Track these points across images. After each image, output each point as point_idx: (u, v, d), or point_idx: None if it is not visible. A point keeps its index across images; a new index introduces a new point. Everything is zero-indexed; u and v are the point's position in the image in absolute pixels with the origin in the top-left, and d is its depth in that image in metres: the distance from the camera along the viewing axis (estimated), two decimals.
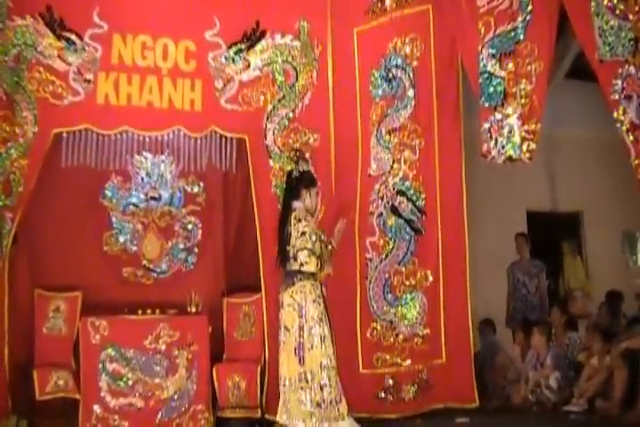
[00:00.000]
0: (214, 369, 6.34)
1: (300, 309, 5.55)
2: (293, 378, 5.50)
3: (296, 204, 5.76)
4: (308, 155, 6.31)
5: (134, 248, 6.89)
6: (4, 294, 5.98)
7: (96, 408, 5.99)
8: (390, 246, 6.76)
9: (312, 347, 5.50)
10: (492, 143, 6.34)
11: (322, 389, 5.48)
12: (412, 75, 6.85)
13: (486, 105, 6.34)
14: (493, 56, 6.34)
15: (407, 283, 6.77)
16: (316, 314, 5.56)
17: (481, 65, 6.32)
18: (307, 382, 5.47)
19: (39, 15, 6.13)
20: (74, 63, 6.17)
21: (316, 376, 5.48)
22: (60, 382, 6.07)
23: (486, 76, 6.33)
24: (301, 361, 5.50)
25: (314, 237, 5.66)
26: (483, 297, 7.42)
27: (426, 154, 6.87)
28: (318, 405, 5.45)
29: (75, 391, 6.06)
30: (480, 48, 6.40)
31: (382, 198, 6.80)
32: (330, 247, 5.89)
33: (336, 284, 6.35)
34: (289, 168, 6.09)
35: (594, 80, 5.48)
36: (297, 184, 5.83)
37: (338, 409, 5.50)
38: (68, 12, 6.21)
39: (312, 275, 5.65)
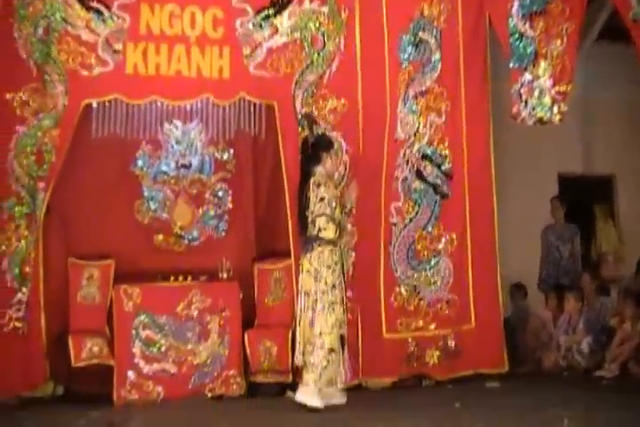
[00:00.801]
0: (246, 335, 6.41)
1: (317, 274, 5.62)
2: (307, 342, 5.63)
3: (317, 168, 5.79)
4: (316, 115, 6.37)
5: (165, 216, 6.94)
6: (39, 263, 6.09)
7: (130, 374, 6.11)
8: (415, 211, 6.75)
9: (320, 312, 5.59)
10: (522, 105, 6.31)
11: (329, 352, 5.57)
12: (438, 37, 6.80)
13: (516, 66, 6.29)
14: (524, 16, 6.27)
15: (432, 248, 6.77)
16: (329, 280, 5.61)
17: (511, 25, 6.25)
18: (313, 345, 5.59)
19: None
20: (102, 34, 6.18)
21: (318, 341, 5.57)
22: (95, 349, 6.16)
23: (516, 36, 6.25)
24: (311, 325, 5.62)
25: (333, 204, 5.69)
26: (513, 261, 7.40)
27: (452, 117, 6.83)
28: (324, 368, 5.55)
29: (109, 358, 6.16)
30: (510, 8, 6.33)
31: (408, 163, 6.78)
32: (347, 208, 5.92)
33: (360, 248, 6.39)
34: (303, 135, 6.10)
35: (627, 41, 5.41)
36: (315, 149, 5.85)
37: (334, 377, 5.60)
38: None
39: (331, 241, 5.66)
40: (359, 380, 6.37)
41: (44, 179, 6.11)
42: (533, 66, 6.31)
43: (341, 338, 5.68)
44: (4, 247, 6.05)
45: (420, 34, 6.75)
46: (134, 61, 6.23)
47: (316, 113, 6.52)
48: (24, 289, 6.06)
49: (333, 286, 5.63)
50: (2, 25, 6.04)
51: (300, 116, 6.34)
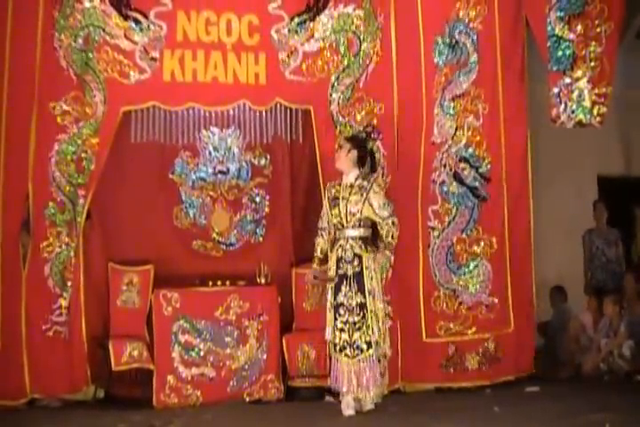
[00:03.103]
0: (284, 339, 6.44)
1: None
2: None
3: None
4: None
5: (204, 221, 7.01)
6: (80, 268, 6.18)
7: (169, 378, 6.17)
8: (453, 214, 6.71)
9: None
10: (562, 108, 6.25)
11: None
12: (475, 39, 6.74)
13: (555, 69, 6.22)
14: (561, 19, 6.20)
15: (471, 251, 6.73)
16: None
17: (549, 28, 6.18)
18: None
19: None
20: (140, 42, 6.25)
21: None
22: (135, 353, 6.23)
23: (554, 39, 6.19)
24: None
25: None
26: (553, 263, 7.33)
27: (490, 120, 6.78)
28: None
29: (149, 362, 6.23)
30: (548, 11, 6.27)
31: (445, 166, 6.73)
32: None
33: (399, 253, 6.33)
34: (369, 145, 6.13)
35: None
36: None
37: None
38: None
39: None
40: (398, 384, 6.31)
41: (83, 186, 6.21)
42: (572, 69, 6.25)
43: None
44: (45, 254, 6.14)
45: (457, 36, 6.71)
46: (171, 68, 6.28)
47: (351, 117, 6.52)
48: (65, 294, 6.16)
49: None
50: (43, 36, 6.13)
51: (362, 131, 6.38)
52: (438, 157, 6.71)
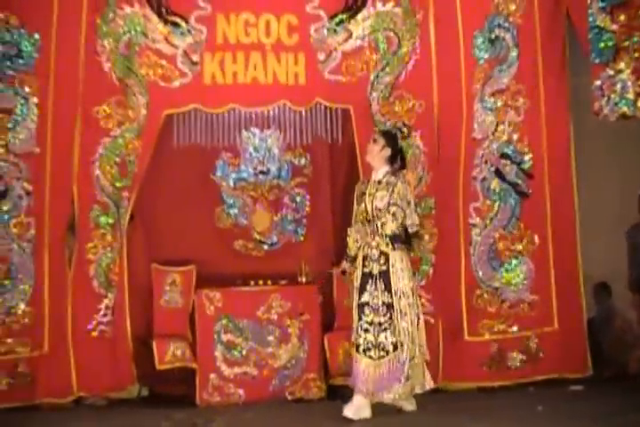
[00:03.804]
0: (326, 338, 6.46)
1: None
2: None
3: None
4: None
5: (245, 222, 7.05)
6: (124, 269, 6.29)
7: (212, 377, 6.24)
8: (495, 211, 6.67)
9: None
10: (604, 101, 6.09)
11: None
12: (515, 33, 6.68)
13: (597, 61, 6.08)
14: (603, 9, 6.05)
15: (513, 248, 6.68)
16: None
17: (590, 19, 6.07)
18: None
19: (147, 2, 6.29)
20: (181, 46, 6.33)
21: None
22: (178, 353, 6.29)
23: (596, 31, 6.06)
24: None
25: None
26: (597, 259, 7.18)
27: (531, 115, 6.73)
28: None
29: (192, 361, 6.30)
30: (589, 1, 6.17)
31: (486, 162, 6.70)
32: None
33: (440, 250, 6.37)
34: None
35: None
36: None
37: None
38: None
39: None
40: (439, 383, 6.25)
41: (127, 188, 6.30)
42: (615, 61, 6.09)
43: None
44: (90, 255, 6.25)
45: (496, 30, 6.66)
46: (212, 71, 6.35)
47: (391, 115, 6.53)
48: (110, 295, 6.26)
49: None
50: (86, 41, 6.24)
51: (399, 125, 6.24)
52: (479, 154, 6.67)
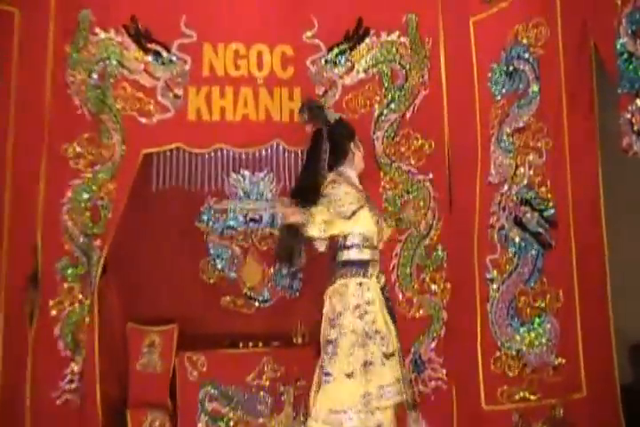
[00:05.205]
0: None
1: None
2: None
3: (341, 169, 5.24)
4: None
5: (233, 275, 6.65)
6: (94, 329, 5.74)
7: None
8: (514, 264, 6.13)
9: None
10: (634, 136, 5.51)
11: None
12: (536, 66, 6.16)
13: (625, 91, 5.52)
14: (634, 33, 5.50)
15: (535, 305, 6.13)
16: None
17: (618, 45, 5.55)
18: None
19: (123, 27, 5.88)
20: (162, 77, 5.92)
21: None
22: (156, 424, 5.88)
23: (625, 57, 5.56)
24: None
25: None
26: (632, 317, 6.61)
27: (554, 156, 6.17)
28: None
29: None
30: (617, 25, 5.60)
31: (504, 209, 6.17)
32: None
33: (453, 307, 5.99)
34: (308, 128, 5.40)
35: None
36: (339, 140, 5.24)
37: None
38: (153, 22, 5.95)
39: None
40: None
41: (99, 236, 5.80)
42: None
43: None
44: (55, 312, 5.71)
45: (515, 62, 6.17)
46: (197, 106, 5.94)
47: (397, 156, 6.12)
48: (78, 358, 5.72)
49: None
50: (54, 71, 5.79)
51: (301, 105, 5.66)
52: (496, 200, 6.14)
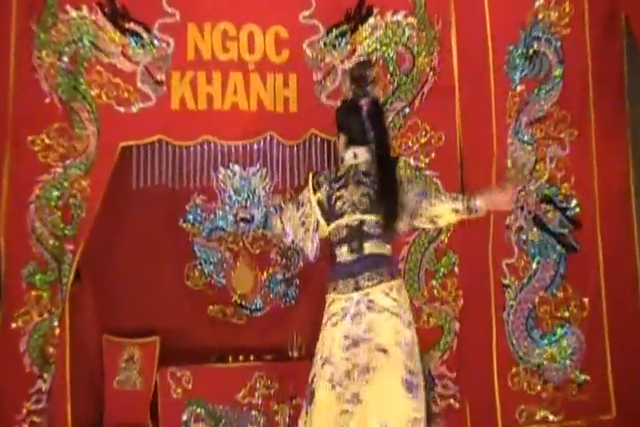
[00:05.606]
0: None
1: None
2: None
3: None
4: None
5: (222, 281, 6.26)
6: (66, 341, 5.34)
7: None
8: (534, 269, 5.93)
9: None
10: None
11: None
12: (559, 47, 5.90)
13: None
14: None
15: (557, 315, 5.95)
16: None
17: None
18: None
19: (97, 5, 5.39)
20: (142, 62, 5.46)
21: None
22: None
23: None
24: None
25: None
26: None
27: (579, 148, 5.96)
28: None
29: None
30: None
31: (522, 208, 5.94)
32: None
33: (465, 317, 5.66)
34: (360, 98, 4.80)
35: None
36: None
37: None
38: None
39: None
40: None
41: (71, 239, 5.39)
42: None
43: None
44: (21, 323, 5.29)
45: (535, 44, 5.89)
46: (181, 94, 5.51)
47: (403, 149, 5.70)
48: (46, 375, 5.29)
49: None
50: (18, 53, 5.32)
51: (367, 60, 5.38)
52: (514, 198, 5.59)
